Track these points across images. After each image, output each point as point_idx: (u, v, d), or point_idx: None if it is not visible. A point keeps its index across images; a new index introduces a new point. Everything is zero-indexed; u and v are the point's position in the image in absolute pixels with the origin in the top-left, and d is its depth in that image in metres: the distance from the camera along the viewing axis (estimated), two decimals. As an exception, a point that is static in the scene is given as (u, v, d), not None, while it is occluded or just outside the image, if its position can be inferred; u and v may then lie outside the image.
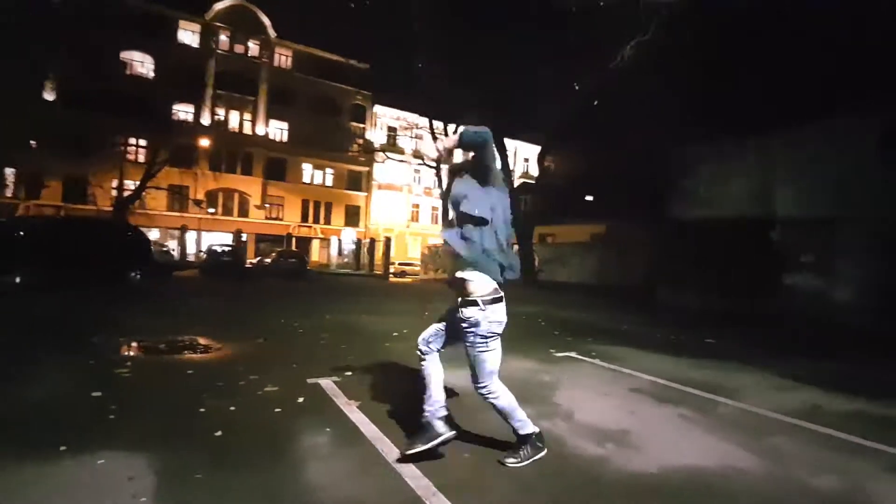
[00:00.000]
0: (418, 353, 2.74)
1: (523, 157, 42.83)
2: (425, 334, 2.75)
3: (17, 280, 9.26)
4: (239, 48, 35.92)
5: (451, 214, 2.61)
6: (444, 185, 27.24)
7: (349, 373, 4.40)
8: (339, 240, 34.87)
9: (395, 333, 6.76)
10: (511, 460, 2.60)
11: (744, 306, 9.70)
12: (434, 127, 26.41)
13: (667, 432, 3.31)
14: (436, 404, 2.62)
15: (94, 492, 2.15)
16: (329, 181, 40.10)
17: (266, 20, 36.68)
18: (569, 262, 20.14)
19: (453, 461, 2.66)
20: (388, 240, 28.38)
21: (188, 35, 34.02)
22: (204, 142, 29.06)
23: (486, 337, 2.49)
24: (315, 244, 38.29)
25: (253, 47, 36.56)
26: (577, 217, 22.99)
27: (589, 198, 22.65)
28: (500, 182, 2.55)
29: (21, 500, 2.07)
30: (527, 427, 2.63)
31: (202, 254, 26.44)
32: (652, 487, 2.48)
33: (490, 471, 2.57)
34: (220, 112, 34.65)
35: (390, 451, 2.70)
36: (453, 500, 2.21)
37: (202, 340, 5.60)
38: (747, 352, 6.32)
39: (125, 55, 30.99)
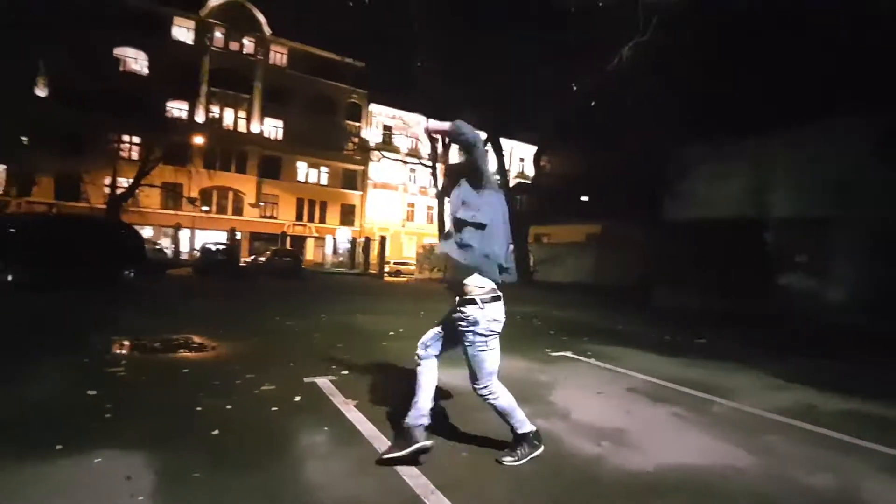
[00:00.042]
0: (416, 356, 2.72)
1: (519, 156, 42.85)
2: (425, 338, 2.73)
3: (10, 278, 9.17)
4: (234, 45, 35.75)
5: (449, 224, 2.62)
6: (440, 185, 27.26)
7: (346, 372, 4.40)
8: (334, 239, 34.82)
9: (391, 333, 6.76)
10: (508, 459, 2.62)
11: (739, 306, 9.77)
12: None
13: (663, 431, 3.33)
14: (419, 412, 2.58)
15: (91, 491, 2.14)
16: (324, 180, 39.99)
17: (261, 17, 36.51)
18: (564, 262, 20.21)
19: (451, 460, 2.67)
20: (383, 239, 28.39)
21: (182, 32, 33.81)
22: (198, 139, 28.87)
23: (486, 336, 2.49)
24: (310, 243, 38.18)
25: (248, 44, 36.39)
26: (573, 217, 23.06)
27: (584, 198, 22.72)
28: (493, 185, 2.57)
29: (19, 500, 2.05)
30: (525, 426, 2.65)
31: (196, 252, 26.29)
32: (649, 486, 2.50)
33: (488, 469, 2.58)
34: (215, 109, 34.45)
35: (389, 450, 2.70)
36: (452, 499, 2.22)
37: (197, 339, 5.58)
38: (742, 351, 6.38)
39: (119, 52, 30.76)
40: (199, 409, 3.28)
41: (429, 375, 2.66)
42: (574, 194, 22.78)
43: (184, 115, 32.22)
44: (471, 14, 15.55)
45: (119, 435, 2.74)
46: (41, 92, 26.82)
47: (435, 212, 31.61)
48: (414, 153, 38.16)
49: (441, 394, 3.57)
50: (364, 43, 24.33)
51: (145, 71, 31.68)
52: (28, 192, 26.51)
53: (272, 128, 37.45)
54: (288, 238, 34.97)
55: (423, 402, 2.61)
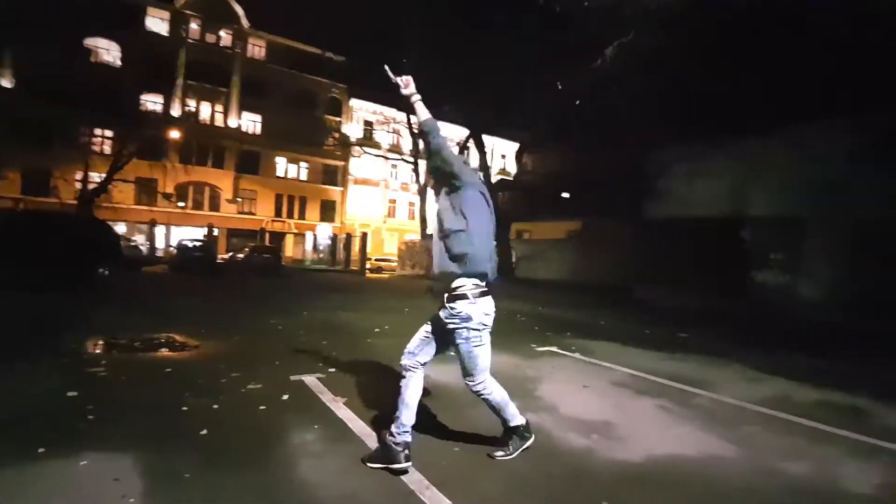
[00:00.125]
0: (402, 366, 2.58)
1: (501, 153, 43.02)
2: (411, 346, 2.60)
3: (-23, 276, 8.85)
4: (210, 37, 34.94)
5: (437, 234, 2.56)
6: (422, 181, 27.19)
7: (333, 369, 4.38)
8: (315, 235, 34.41)
9: (376, 330, 6.74)
10: (500, 454, 2.64)
11: (718, 303, 10.02)
12: (412, 122, 26.31)
13: (648, 423, 3.41)
14: (402, 427, 2.47)
15: (80, 495, 2.10)
16: (304, 175, 39.47)
17: (239, 9, 35.76)
18: (546, 258, 20.38)
19: (444, 456, 2.69)
20: (364, 235, 28.15)
21: (157, 23, 32.89)
22: (174, 133, 28.18)
23: (479, 330, 2.49)
24: (289, 239, 37.69)
25: (225, 37, 35.60)
26: (555, 214, 23.23)
27: (566, 195, 22.90)
28: (472, 179, 2.50)
29: (2, 504, 2.00)
30: (516, 419, 2.68)
31: (172, 249, 25.71)
32: (638, 476, 2.56)
33: (481, 464, 2.61)
34: (191, 103, 33.64)
35: (381, 447, 2.71)
36: (447, 494, 2.24)
37: (179, 338, 5.48)
38: (722, 346, 6.54)
39: (90, 42, 29.77)
40: (184, 408, 3.23)
41: (414, 389, 2.54)
42: (556, 191, 22.94)
43: (159, 108, 31.36)
44: (455, 11, 15.52)
45: (104, 436, 2.68)
46: (6, 83, 25.81)
47: (417, 208, 31.56)
48: (395, 149, 37.98)
49: (431, 391, 3.59)
50: (344, 36, 24.11)
51: (118, 63, 30.75)
52: (-8, 186, 25.54)
53: (250, 122, 36.77)
54: (267, 234, 34.45)
55: (408, 417, 2.49)
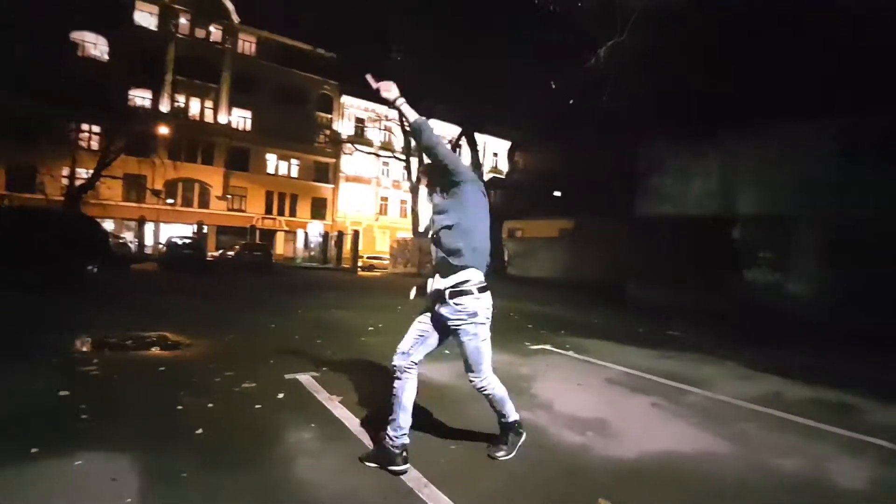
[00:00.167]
0: (395, 367, 2.52)
1: (493, 151, 43.07)
2: (404, 346, 2.54)
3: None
4: (200, 33, 34.54)
5: (433, 230, 2.54)
6: (414, 178, 27.12)
7: (327, 368, 4.36)
8: (306, 233, 34.20)
9: (370, 328, 6.73)
10: (501, 453, 2.64)
11: (709, 301, 10.12)
12: (403, 120, 26.19)
13: (642, 420, 3.44)
14: (399, 430, 2.44)
15: (77, 495, 2.07)
16: (294, 172, 39.21)
17: (229, 4, 35.37)
18: (538, 256, 20.48)
19: (441, 453, 2.70)
20: (356, 233, 28.07)
21: (145, 17, 32.45)
22: (163, 129, 27.84)
23: (484, 324, 2.49)
24: (280, 237, 37.46)
25: (215, 32, 35.22)
26: (547, 212, 23.32)
27: (557, 193, 23.02)
28: (467, 177, 2.45)
29: (-4, 506, 1.97)
30: (513, 415, 2.69)
31: (161, 246, 25.43)
32: (632, 472, 2.59)
33: (478, 461, 2.62)
34: (181, 99, 33.27)
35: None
36: (445, 492, 2.25)
37: (171, 336, 5.43)
38: (713, 344, 6.61)
39: (76, 36, 29.29)
40: (179, 407, 3.20)
41: (410, 391, 2.50)
42: (548, 189, 23.04)
43: (147, 104, 30.97)
44: (448, 8, 15.48)
45: (98, 436, 2.65)
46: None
47: (409, 206, 31.50)
48: (387, 146, 37.83)
49: (426, 389, 3.59)
50: (336, 33, 23.94)
51: (105, 57, 30.30)
52: (-25, 183, 25.09)
53: (240, 118, 36.44)
54: (257, 232, 34.22)
55: (404, 419, 2.47)
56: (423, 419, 2.97)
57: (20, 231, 9.84)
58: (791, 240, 9.47)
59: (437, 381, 4.02)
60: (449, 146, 2.53)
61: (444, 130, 26.17)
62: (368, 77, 2.45)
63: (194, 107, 34.29)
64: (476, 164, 20.55)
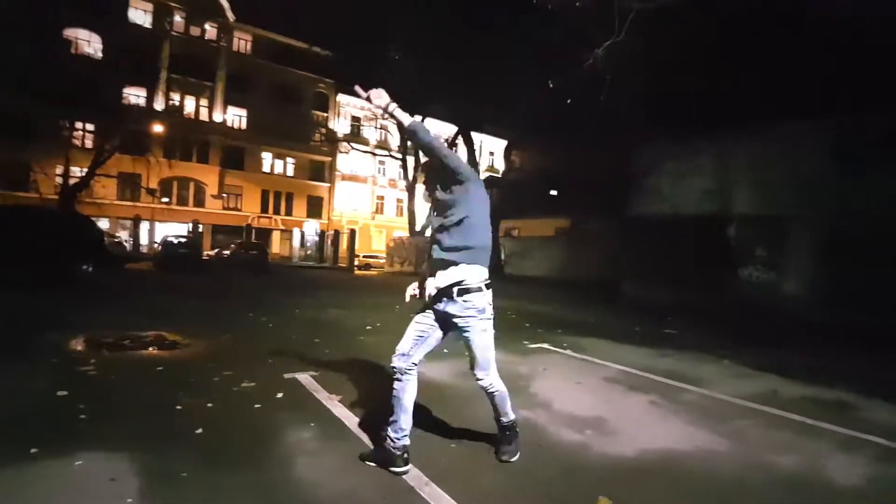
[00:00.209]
0: (395, 369, 2.48)
1: (489, 150, 43.09)
2: (403, 347, 2.50)
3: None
4: (195, 30, 34.38)
5: (432, 224, 2.56)
6: (410, 177, 27.06)
7: (327, 367, 4.36)
8: (302, 232, 34.14)
9: (367, 327, 6.73)
10: (506, 456, 2.62)
11: (705, 299, 10.17)
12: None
13: (640, 418, 3.46)
14: (400, 432, 2.43)
15: (77, 495, 2.06)
16: (290, 171, 39.12)
17: (224, 2, 35.19)
18: (534, 255, 20.51)
19: (441, 452, 2.70)
20: (352, 232, 28.09)
21: (140, 14, 32.27)
22: (157, 128, 27.69)
23: (490, 320, 2.50)
24: (276, 236, 37.36)
25: (210, 30, 35.06)
26: (543, 211, 23.35)
27: (553, 192, 23.04)
28: (469, 175, 2.45)
29: (-4, 507, 1.96)
30: (512, 415, 2.69)
31: (157, 245, 25.33)
32: (632, 470, 2.60)
33: (478, 460, 2.63)
34: (175, 97, 33.12)
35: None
36: (446, 490, 2.25)
37: (168, 336, 5.41)
38: (709, 342, 6.64)
39: (69, 33, 29.07)
40: (178, 407, 3.20)
41: (410, 392, 2.48)
42: (544, 188, 23.06)
43: (142, 102, 30.80)
44: (445, 7, 15.46)
45: (98, 436, 2.65)
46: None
47: (405, 205, 31.45)
48: (383, 145, 37.81)
49: (425, 388, 3.59)
50: (332, 31, 23.88)
51: (99, 55, 30.10)
52: (-32, 181, 24.85)
53: (235, 117, 36.31)
54: (253, 231, 34.11)
55: (405, 420, 2.45)
56: (422, 418, 2.97)
57: (14, 230, 9.76)
58: (788, 239, 9.53)
59: (436, 379, 4.03)
60: (445, 145, 2.52)
61: (440, 129, 26.16)
62: (357, 88, 2.45)
63: (189, 105, 34.14)
64: (472, 163, 20.55)
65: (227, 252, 23.71)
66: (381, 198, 43.34)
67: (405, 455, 2.43)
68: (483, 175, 27.88)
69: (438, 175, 2.51)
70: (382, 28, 18.61)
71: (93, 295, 8.87)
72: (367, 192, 42.29)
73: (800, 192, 9.38)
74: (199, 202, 34.66)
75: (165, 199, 32.27)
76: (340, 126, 40.05)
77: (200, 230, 30.71)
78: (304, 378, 3.98)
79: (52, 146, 24.71)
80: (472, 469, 2.54)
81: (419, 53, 17.36)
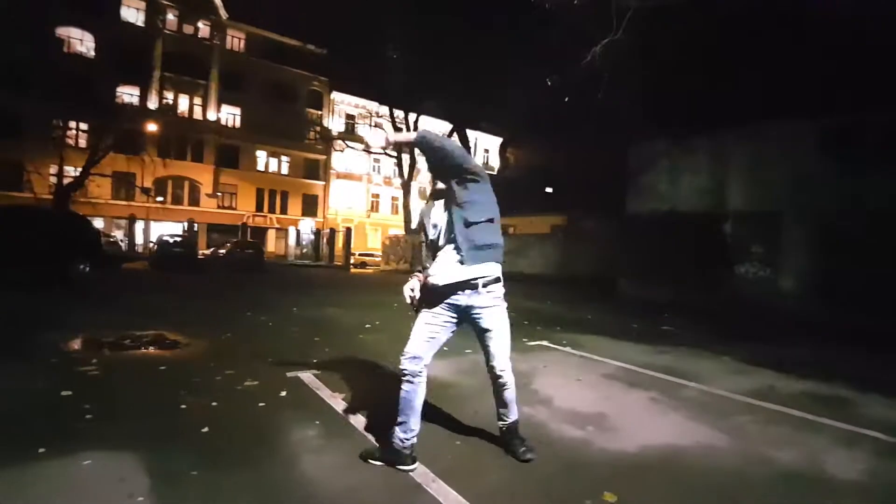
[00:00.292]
0: (406, 372, 2.45)
1: (484, 147, 43.09)
2: (415, 350, 2.46)
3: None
4: (188, 28, 34.19)
5: (433, 232, 2.56)
6: (406, 176, 27.02)
7: (328, 365, 4.37)
8: (297, 230, 34.07)
9: (367, 325, 6.75)
10: (530, 455, 2.60)
11: (702, 296, 10.24)
12: (395, 116, 26.18)
13: (640, 415, 3.50)
14: (410, 433, 2.43)
15: (87, 494, 2.07)
16: (285, 169, 39.01)
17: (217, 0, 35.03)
18: (530, 253, 20.52)
19: (447, 449, 2.73)
20: (348, 230, 28.05)
21: (132, 13, 32.04)
22: (151, 127, 27.54)
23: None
24: (271, 234, 37.26)
25: (203, 28, 34.87)
26: (539, 208, 23.38)
27: (549, 189, 23.10)
28: (482, 175, 2.47)
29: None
30: (516, 413, 2.73)
31: (152, 245, 25.21)
32: (633, 465, 2.64)
33: (483, 456, 2.66)
34: (169, 96, 32.92)
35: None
36: (453, 486, 2.28)
37: (169, 335, 5.41)
38: (707, 339, 6.69)
39: (62, 31, 28.83)
40: (183, 406, 3.20)
41: (421, 395, 2.48)
42: (540, 186, 23.12)
43: (136, 100, 30.61)
44: (442, 5, 15.45)
45: (104, 436, 2.65)
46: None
47: (400, 202, 31.44)
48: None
49: (430, 384, 3.61)
50: (326, 29, 23.81)
51: (92, 53, 29.88)
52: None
53: (230, 115, 36.16)
54: (248, 229, 34.00)
55: (414, 422, 2.46)
56: (427, 415, 2.97)
57: (9, 230, 9.69)
58: (785, 237, 9.61)
59: (440, 377, 4.05)
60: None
61: (435, 127, 26.16)
62: (389, 136, 2.54)
63: (183, 104, 33.96)
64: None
65: (222, 251, 23.58)
66: (376, 196, 43.29)
67: (413, 454, 2.46)
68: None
69: (456, 174, 2.44)
70: (378, 26, 18.60)
71: (90, 295, 8.83)
72: (362, 190, 42.24)
73: (798, 191, 9.45)
74: (194, 201, 34.52)
75: (160, 199, 32.14)
76: (335, 124, 39.95)
77: (196, 229, 30.61)
78: (307, 376, 3.99)
79: (46, 145, 24.55)
80: (477, 465, 2.56)
81: (415, 51, 17.35)
